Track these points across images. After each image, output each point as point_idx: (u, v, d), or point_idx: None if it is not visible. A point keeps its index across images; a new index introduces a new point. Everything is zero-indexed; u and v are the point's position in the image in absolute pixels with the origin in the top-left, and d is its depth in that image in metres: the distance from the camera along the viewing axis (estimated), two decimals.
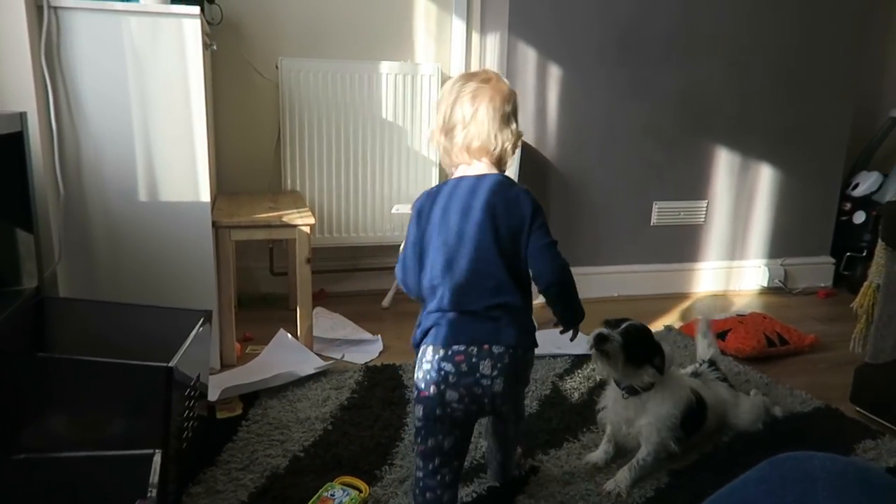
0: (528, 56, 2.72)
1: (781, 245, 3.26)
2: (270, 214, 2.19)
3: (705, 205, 3.09)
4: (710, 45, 2.92)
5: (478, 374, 1.24)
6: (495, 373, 1.24)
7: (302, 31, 2.73)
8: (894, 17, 3.48)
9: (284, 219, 2.15)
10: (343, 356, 2.24)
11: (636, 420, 1.61)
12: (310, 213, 2.25)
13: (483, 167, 1.36)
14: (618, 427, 1.66)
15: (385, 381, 2.06)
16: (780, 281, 3.24)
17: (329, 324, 2.52)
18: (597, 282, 2.99)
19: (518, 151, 2.55)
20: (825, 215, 3.29)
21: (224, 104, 2.71)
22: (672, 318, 2.79)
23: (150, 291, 1.97)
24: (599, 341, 1.55)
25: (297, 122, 2.68)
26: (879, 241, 1.88)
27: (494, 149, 1.35)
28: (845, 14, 3.06)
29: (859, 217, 3.25)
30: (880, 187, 3.23)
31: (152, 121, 1.92)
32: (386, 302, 2.81)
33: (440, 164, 2.90)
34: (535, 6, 2.69)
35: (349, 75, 2.69)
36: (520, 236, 1.32)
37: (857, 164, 3.40)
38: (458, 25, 2.86)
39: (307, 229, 2.15)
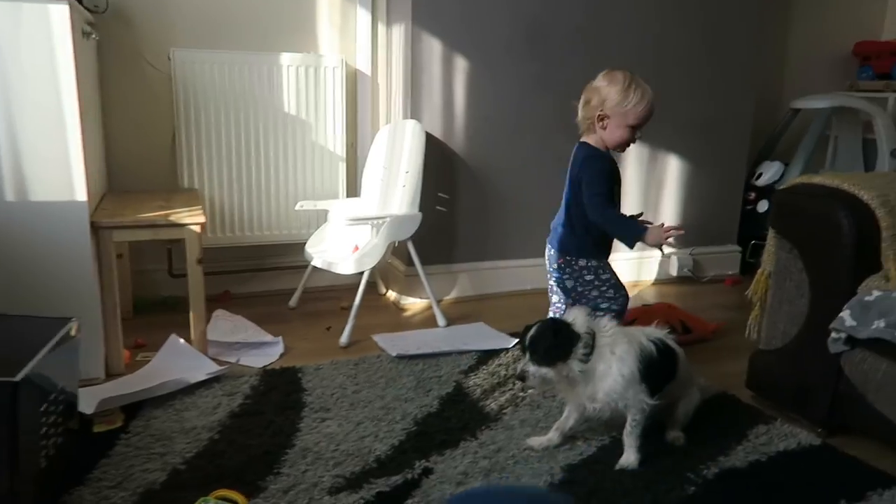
0: (434, 48, 2.67)
1: (690, 235, 3.30)
2: (157, 214, 2.08)
3: None
4: (617, 39, 2.94)
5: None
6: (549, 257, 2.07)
7: (196, 21, 2.60)
8: (792, 12, 3.59)
9: (172, 218, 2.04)
10: (238, 360, 2.14)
11: (597, 394, 1.60)
12: (201, 211, 2.14)
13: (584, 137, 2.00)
14: (582, 407, 1.66)
15: (282, 386, 1.98)
16: (689, 270, 3.30)
17: (229, 326, 2.41)
18: (509, 275, 2.97)
19: (422, 141, 2.52)
20: (731, 205, 3.37)
21: (114, 97, 2.56)
22: None
23: (21, 299, 1.82)
24: (523, 380, 1.60)
25: (193, 116, 2.55)
26: (770, 228, 1.92)
27: (581, 125, 1.99)
28: (746, 9, 3.13)
29: (763, 206, 3.34)
30: (782, 176, 3.33)
31: (17, 115, 1.78)
32: (293, 302, 2.72)
33: (347, 160, 2.83)
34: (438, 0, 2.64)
35: (248, 67, 2.58)
36: (578, 186, 1.94)
37: (761, 155, 3.50)
38: (364, 16, 2.79)
39: (197, 228, 2.04)
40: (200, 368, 2.01)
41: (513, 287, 2.98)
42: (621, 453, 1.64)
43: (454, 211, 2.86)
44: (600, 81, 1.94)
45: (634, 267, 3.24)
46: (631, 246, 1.90)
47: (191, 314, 2.11)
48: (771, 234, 1.92)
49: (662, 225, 1.85)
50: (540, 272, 3.11)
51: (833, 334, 1.69)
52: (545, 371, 1.57)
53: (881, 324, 1.56)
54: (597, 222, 1.88)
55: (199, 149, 2.59)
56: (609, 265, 2.01)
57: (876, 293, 1.61)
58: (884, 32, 3.72)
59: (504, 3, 2.73)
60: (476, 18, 2.71)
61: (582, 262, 1.96)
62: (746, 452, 1.70)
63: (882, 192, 1.66)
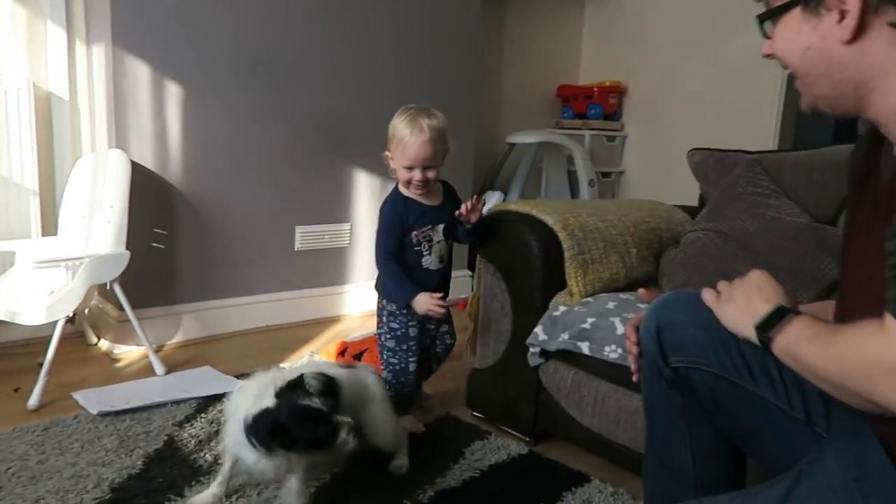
0: (141, 72, 2.47)
1: None
2: None
3: (349, 227, 3.13)
4: (343, 72, 2.97)
5: None
6: None
7: None
8: (505, 55, 3.95)
9: None
10: None
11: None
12: None
13: None
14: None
15: None
16: None
17: None
18: (240, 314, 2.82)
19: (128, 172, 2.31)
20: None
21: None
22: (320, 344, 2.74)
23: None
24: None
25: None
26: (478, 253, 2.04)
27: None
28: (465, 50, 3.37)
29: None
30: None
31: None
32: None
33: (42, 195, 2.49)
34: (141, 17, 2.44)
35: None
36: None
37: (485, 185, 3.77)
38: (57, 33, 2.49)
39: None
40: None
41: (245, 325, 2.83)
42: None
43: (174, 247, 2.65)
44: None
45: (372, 297, 3.26)
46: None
47: None
48: (478, 258, 2.04)
49: (431, 294, 1.76)
50: (274, 308, 3.02)
51: (530, 349, 1.83)
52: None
53: (566, 336, 1.71)
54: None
55: None
56: (409, 314, 1.84)
57: (562, 308, 1.78)
58: (580, 78, 4.26)
59: (221, 28, 2.62)
60: (188, 43, 2.56)
61: (383, 302, 1.92)
62: (462, 470, 1.76)
63: (563, 217, 1.85)
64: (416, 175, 1.76)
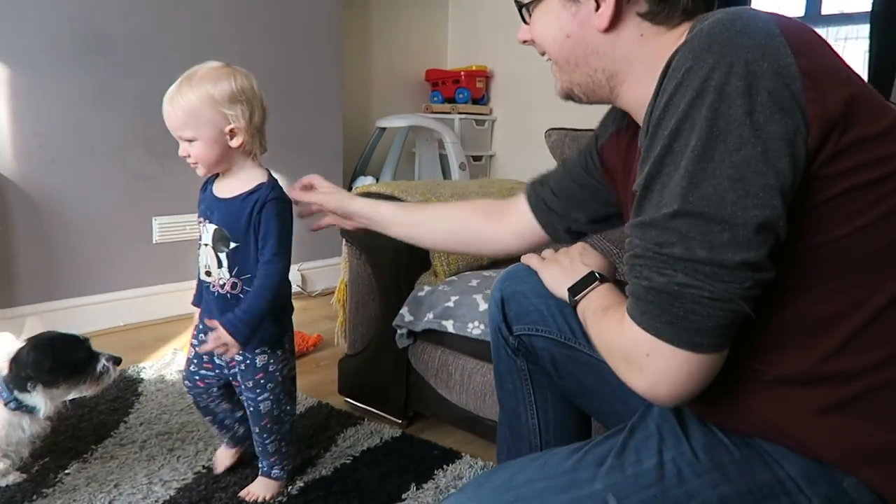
0: None
1: (297, 251, 3.30)
2: None
3: None
4: (192, 52, 2.79)
5: None
6: None
7: None
8: (372, 37, 3.90)
9: None
10: None
11: None
12: None
13: None
14: None
15: None
16: (298, 285, 3.33)
17: None
18: (95, 313, 2.62)
19: None
20: None
21: None
22: (184, 341, 2.60)
23: None
24: None
25: None
26: (341, 236, 1.99)
27: None
28: (324, 34, 3.29)
29: None
30: None
31: None
32: None
33: None
34: None
35: None
36: None
37: (357, 171, 3.72)
38: None
39: None
40: None
41: (101, 325, 2.64)
42: None
43: (8, 245, 2.41)
44: None
45: None
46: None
47: None
48: (343, 242, 2.00)
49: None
50: (133, 305, 2.83)
51: (398, 331, 1.82)
52: None
53: (430, 315, 1.72)
54: None
55: None
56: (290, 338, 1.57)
57: (427, 288, 1.78)
58: (448, 62, 4.28)
59: (50, 3, 2.40)
60: (13, 18, 2.32)
61: None
62: (334, 458, 1.72)
63: (425, 197, 1.85)
64: (180, 148, 1.38)
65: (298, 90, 3.22)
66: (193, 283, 2.89)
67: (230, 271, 1.40)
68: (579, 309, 0.95)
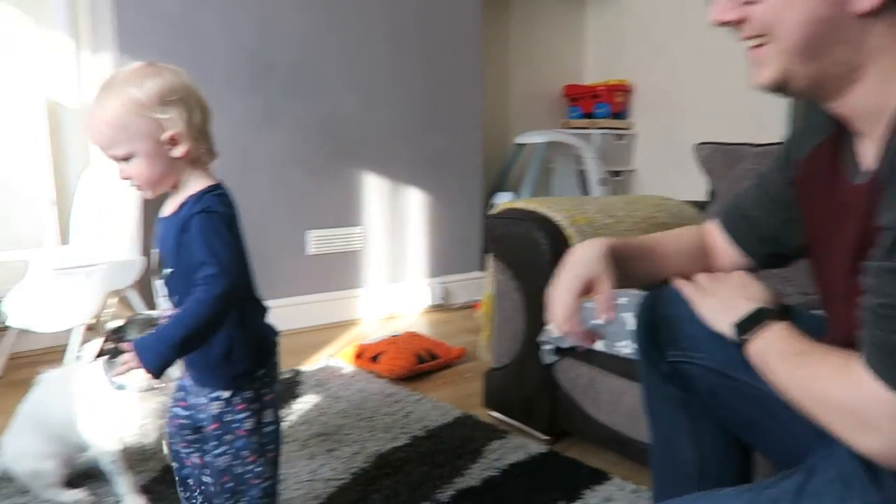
0: None
1: (439, 264, 3.45)
2: None
3: (361, 230, 3.14)
4: (346, 76, 2.99)
5: None
6: None
7: None
8: (511, 55, 3.95)
9: None
10: None
11: None
12: None
13: None
14: None
15: None
16: (441, 298, 3.42)
17: None
18: None
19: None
20: (472, 234, 3.57)
21: None
22: (336, 348, 2.75)
23: None
24: None
25: None
26: (488, 251, 2.04)
27: None
28: (465, 52, 3.37)
29: None
30: None
31: None
32: None
33: (59, 204, 2.51)
34: (147, 25, 2.48)
35: None
36: None
37: (495, 187, 3.77)
38: (65, 42, 2.52)
39: None
40: None
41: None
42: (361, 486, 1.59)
43: None
44: None
45: (386, 299, 3.28)
46: None
47: None
48: (490, 257, 2.03)
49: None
50: (288, 313, 3.02)
51: (544, 346, 1.82)
52: None
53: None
54: None
55: None
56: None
57: None
58: (585, 77, 4.25)
59: (224, 35, 2.65)
60: (192, 50, 2.58)
61: None
62: (481, 469, 1.75)
63: (570, 213, 1.85)
64: (118, 170, 1.13)
65: (441, 108, 3.32)
66: (345, 294, 3.13)
67: (171, 299, 1.18)
68: (753, 349, 0.88)
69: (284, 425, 1.95)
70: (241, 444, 1.19)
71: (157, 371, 1.05)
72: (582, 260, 1.03)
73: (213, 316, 1.08)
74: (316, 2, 2.87)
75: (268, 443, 1.22)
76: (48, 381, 1.57)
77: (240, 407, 1.19)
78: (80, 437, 1.49)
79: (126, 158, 1.09)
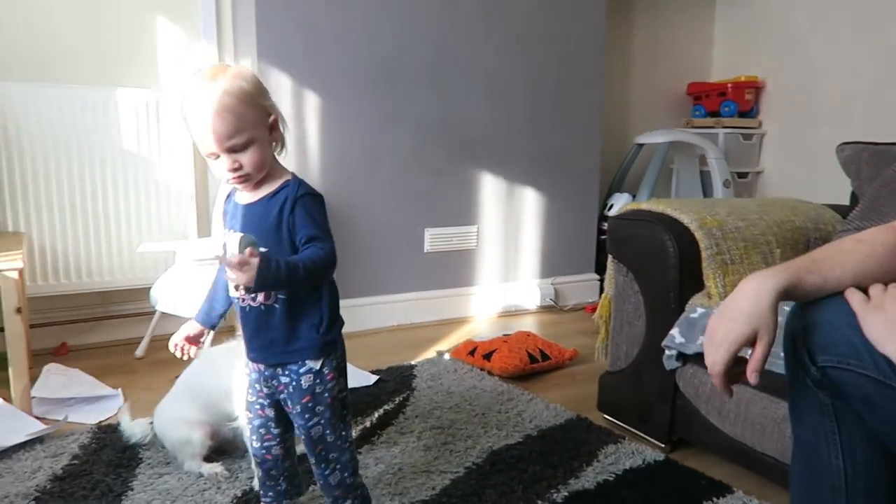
0: (282, 83, 2.64)
1: (551, 265, 3.43)
2: None
3: (476, 230, 3.17)
4: (468, 77, 3.03)
5: None
6: None
7: (19, 52, 2.42)
8: (633, 54, 3.86)
9: None
10: (66, 417, 1.95)
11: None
12: (20, 255, 1.95)
13: None
14: None
15: (117, 442, 1.82)
16: (551, 299, 3.40)
17: (61, 381, 2.21)
18: (372, 312, 2.93)
19: None
20: (587, 235, 3.52)
21: None
22: (449, 344, 2.79)
23: None
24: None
25: (17, 154, 2.36)
26: (608, 253, 2.00)
27: None
28: (588, 51, 3.33)
29: None
30: None
31: None
32: (139, 351, 2.53)
33: (198, 198, 2.70)
34: (284, 33, 2.62)
35: (79, 102, 2.42)
36: None
37: (612, 187, 3.70)
38: (209, 50, 2.71)
39: (14, 274, 1.86)
40: (19, 430, 1.81)
41: (376, 324, 2.94)
42: (475, 482, 1.62)
43: None
44: None
45: (498, 298, 3.29)
46: None
47: (10, 369, 1.91)
48: (609, 259, 2.00)
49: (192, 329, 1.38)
50: (404, 307, 3.12)
51: (666, 352, 1.77)
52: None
53: (704, 338, 1.64)
54: None
55: (26, 189, 2.39)
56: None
57: (700, 310, 1.71)
58: (712, 74, 4.08)
59: (355, 40, 2.75)
60: (324, 55, 2.71)
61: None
62: (596, 473, 1.73)
63: (699, 216, 1.78)
64: (223, 163, 1.18)
65: (561, 107, 3.30)
66: (459, 291, 3.19)
67: None
68: None
69: (401, 418, 2.02)
70: (329, 414, 1.29)
71: (260, 288, 1.14)
72: (757, 313, 0.99)
73: (324, 268, 1.20)
74: (446, 7, 2.93)
75: (346, 408, 1.33)
76: (209, 354, 1.70)
77: (329, 377, 1.28)
78: (230, 407, 1.60)
79: (245, 147, 1.17)
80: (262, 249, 1.14)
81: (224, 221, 1.30)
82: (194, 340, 1.36)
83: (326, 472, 1.33)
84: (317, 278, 1.21)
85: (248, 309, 1.25)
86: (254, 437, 1.36)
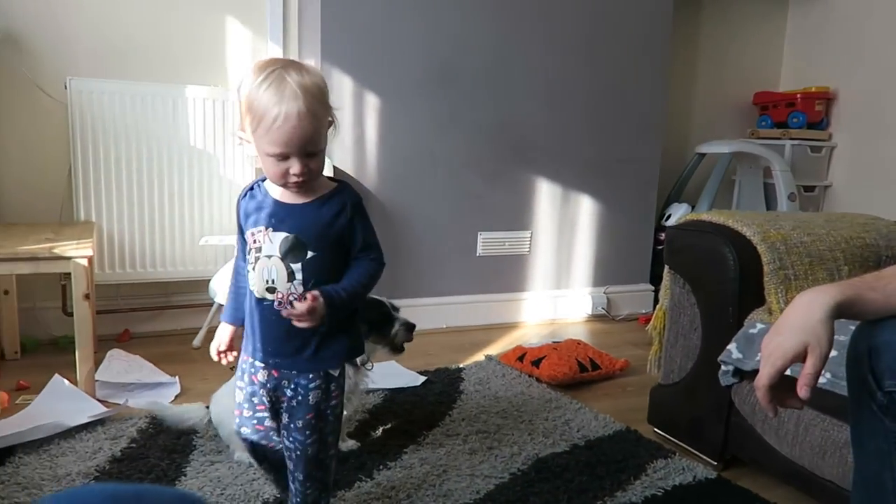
0: (345, 84, 2.68)
1: (604, 274, 3.38)
2: (41, 246, 1.97)
3: (529, 235, 3.15)
4: (526, 81, 3.01)
5: None
6: None
7: (96, 49, 2.53)
8: (698, 62, 3.77)
9: (56, 251, 1.93)
10: (126, 401, 2.02)
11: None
12: (90, 244, 2.04)
13: None
14: None
15: (173, 428, 1.88)
16: (603, 308, 3.35)
17: (123, 366, 2.29)
18: (423, 314, 2.93)
19: (330, 175, 2.50)
20: (643, 245, 3.46)
21: (5, 126, 2.44)
22: (498, 349, 2.78)
23: None
24: None
25: (91, 147, 2.46)
26: (665, 264, 1.96)
27: None
28: (653, 56, 3.27)
29: None
30: None
31: None
32: (197, 341, 2.60)
33: None
34: (347, 35, 2.67)
35: (151, 98, 2.51)
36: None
37: (671, 197, 3.62)
38: (275, 51, 2.77)
39: (84, 262, 1.94)
40: (83, 411, 1.89)
41: (427, 325, 2.95)
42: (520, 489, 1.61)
43: None
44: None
45: (549, 305, 3.27)
46: None
47: (77, 352, 1.99)
48: (665, 269, 1.96)
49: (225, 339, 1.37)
50: (455, 310, 3.12)
51: (722, 367, 1.72)
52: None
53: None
54: None
55: (98, 181, 2.49)
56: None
57: (760, 326, 1.66)
58: (780, 84, 3.95)
59: (415, 43, 2.78)
60: (386, 57, 2.74)
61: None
62: (644, 487, 1.70)
63: (763, 229, 1.73)
64: (294, 166, 1.12)
65: (622, 114, 3.25)
66: (511, 296, 3.17)
67: (305, 284, 1.17)
68: None
69: (447, 420, 2.02)
70: (328, 431, 1.28)
71: (327, 320, 1.15)
72: (808, 326, 0.96)
73: (377, 279, 1.23)
74: (506, 10, 2.93)
75: (339, 426, 1.33)
76: None
77: (335, 394, 1.26)
78: None
79: (320, 151, 1.13)
80: (311, 253, 1.16)
81: (250, 218, 1.21)
82: (231, 346, 1.34)
83: (308, 490, 1.29)
84: (371, 290, 1.24)
85: (265, 304, 1.20)
86: (252, 452, 1.36)
